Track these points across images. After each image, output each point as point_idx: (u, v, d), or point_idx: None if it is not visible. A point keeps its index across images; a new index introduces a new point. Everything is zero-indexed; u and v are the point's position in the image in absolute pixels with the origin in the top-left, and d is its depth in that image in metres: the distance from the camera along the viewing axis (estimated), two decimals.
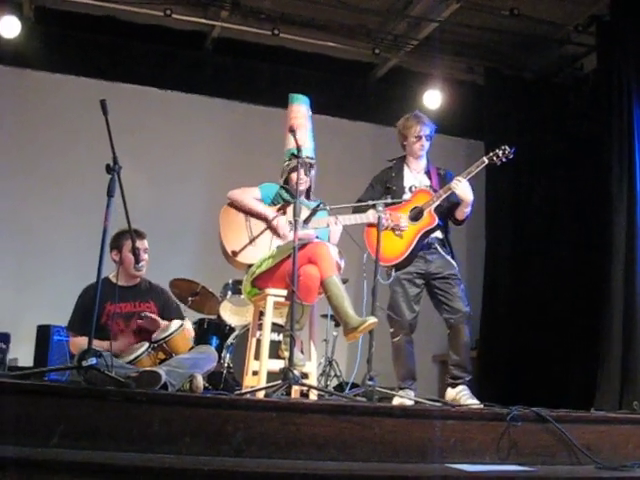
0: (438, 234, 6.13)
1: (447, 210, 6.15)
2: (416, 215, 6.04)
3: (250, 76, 10.24)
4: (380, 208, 5.70)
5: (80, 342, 5.21)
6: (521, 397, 5.86)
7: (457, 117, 10.13)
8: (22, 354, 8.43)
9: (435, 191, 6.10)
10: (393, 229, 5.95)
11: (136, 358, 5.18)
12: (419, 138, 6.23)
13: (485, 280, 9.92)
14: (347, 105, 10.48)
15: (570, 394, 8.58)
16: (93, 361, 4.13)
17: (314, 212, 5.71)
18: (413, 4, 9.37)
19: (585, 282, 8.98)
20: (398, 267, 6.08)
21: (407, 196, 6.17)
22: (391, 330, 6.10)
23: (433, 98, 9.90)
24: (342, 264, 5.70)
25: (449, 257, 6.12)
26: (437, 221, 6.02)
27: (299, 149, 5.32)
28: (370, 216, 5.83)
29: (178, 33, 9.85)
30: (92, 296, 4.48)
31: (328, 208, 5.78)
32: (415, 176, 6.28)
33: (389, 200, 5.89)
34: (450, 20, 9.27)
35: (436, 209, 6.05)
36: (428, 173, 6.30)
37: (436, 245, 6.10)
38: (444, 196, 6.03)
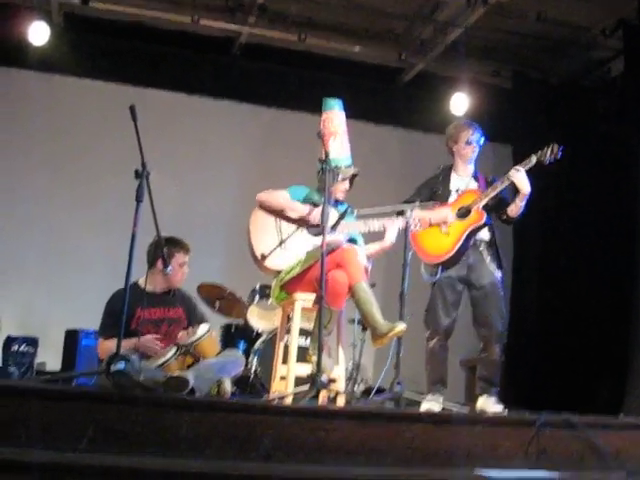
0: (485, 235, 6.04)
1: (495, 210, 6.08)
2: (463, 214, 5.96)
3: (277, 81, 10.25)
4: (409, 213, 5.68)
5: (109, 345, 5.23)
6: (548, 403, 5.82)
7: (484, 121, 9.97)
8: (50, 358, 8.46)
9: (484, 191, 6.03)
10: (439, 225, 5.92)
11: (164, 362, 5.20)
12: (469, 143, 6.18)
13: (513, 285, 9.86)
14: (374, 109, 10.46)
15: (598, 400, 8.52)
16: (121, 366, 4.15)
17: (342, 217, 5.70)
18: (439, 9, 9.36)
19: (613, 287, 8.92)
20: (445, 265, 6.01)
21: (453, 198, 6.11)
22: (426, 333, 6.05)
23: (460, 102, 9.86)
24: (369, 267, 5.69)
25: (493, 263, 6.00)
26: (485, 218, 5.93)
27: (326, 155, 5.28)
28: (400, 220, 5.79)
29: (206, 39, 9.88)
30: (121, 301, 4.50)
31: (356, 212, 5.77)
32: (462, 179, 6.21)
33: (417, 204, 5.85)
34: (476, 24, 9.24)
35: (486, 207, 5.97)
36: (476, 178, 6.23)
37: (482, 247, 6.02)
38: (495, 193, 5.94)
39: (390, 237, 5.72)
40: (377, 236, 5.81)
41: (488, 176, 6.24)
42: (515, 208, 5.99)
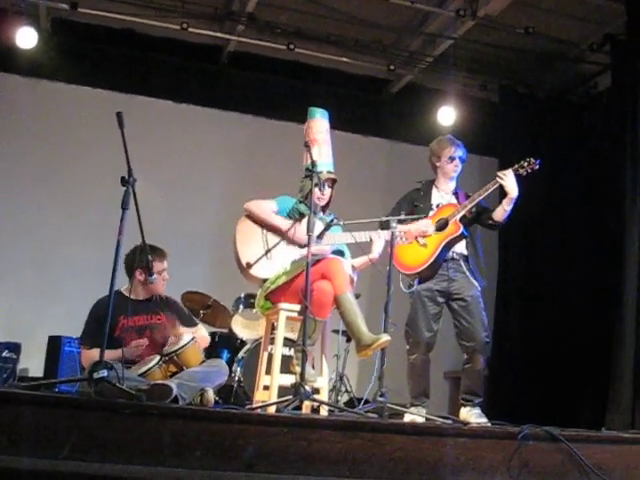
0: (462, 249, 6.07)
1: (475, 220, 6.12)
2: (441, 226, 5.99)
3: (265, 90, 10.28)
4: (394, 224, 5.68)
5: (92, 355, 5.21)
6: (532, 416, 5.81)
7: (471, 134, 10.06)
8: (32, 364, 8.45)
9: (461, 204, 6.06)
10: (417, 238, 5.92)
11: (147, 371, 5.19)
12: (452, 159, 6.23)
13: (497, 298, 9.89)
14: (361, 120, 10.49)
15: (581, 414, 8.55)
16: (104, 373, 4.13)
17: (328, 227, 5.70)
18: (429, 21, 9.41)
19: (597, 301, 8.96)
20: (421, 276, 6.06)
21: (433, 212, 6.14)
22: (407, 347, 6.07)
23: (447, 115, 9.90)
24: (355, 278, 5.69)
25: (471, 276, 6.03)
26: (462, 229, 5.97)
27: (314, 164, 5.30)
28: (386, 233, 5.80)
29: (194, 46, 9.90)
30: (105, 309, 4.48)
31: (342, 223, 5.78)
32: (443, 196, 6.25)
33: (402, 217, 5.86)
34: (465, 37, 9.31)
35: (463, 218, 6.01)
36: (456, 194, 6.26)
37: (460, 261, 6.05)
38: (472, 204, 5.98)
39: (377, 249, 5.73)
40: (365, 248, 5.81)
41: (468, 192, 6.24)
42: (501, 211, 6.02)
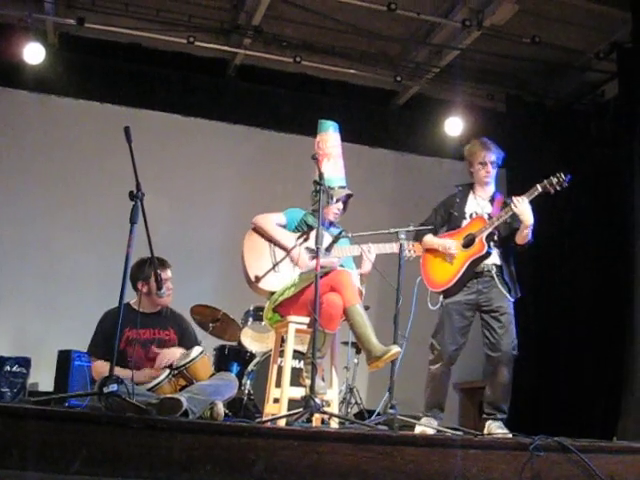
0: (496, 260, 5.93)
1: (507, 237, 5.95)
2: (468, 242, 5.89)
3: (272, 103, 10.30)
4: (402, 236, 5.66)
5: (101, 367, 5.23)
6: (543, 427, 5.79)
7: None
8: (43, 379, 8.44)
9: (490, 218, 5.92)
10: (444, 255, 5.91)
11: (157, 385, 5.18)
12: (484, 165, 6.08)
13: None
14: (368, 132, 10.50)
15: (592, 424, 8.50)
16: (114, 388, 4.13)
17: (336, 239, 5.70)
18: (435, 32, 9.43)
19: (609, 310, 8.91)
20: (447, 293, 5.97)
21: (466, 222, 6.05)
22: (430, 357, 5.98)
23: (454, 125, 9.91)
24: (363, 290, 5.68)
25: (504, 288, 5.88)
26: (486, 249, 5.81)
27: (321, 176, 5.29)
28: (394, 246, 5.78)
29: (201, 60, 9.94)
30: (112, 321, 4.49)
31: (350, 236, 5.77)
32: (479, 203, 6.12)
33: (411, 228, 5.84)
34: (471, 47, 9.31)
35: (491, 236, 5.88)
36: (492, 201, 6.11)
37: (492, 273, 5.91)
38: (498, 222, 5.84)
39: (367, 266, 5.76)
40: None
41: (507, 199, 6.01)
42: (521, 237, 5.85)
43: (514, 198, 5.76)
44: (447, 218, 6.14)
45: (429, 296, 6.07)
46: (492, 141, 6.28)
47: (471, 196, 6.17)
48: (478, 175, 6.13)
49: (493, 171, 6.13)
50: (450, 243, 5.94)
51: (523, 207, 5.72)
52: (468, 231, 5.96)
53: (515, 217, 5.82)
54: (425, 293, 6.05)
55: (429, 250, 6.06)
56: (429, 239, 6.07)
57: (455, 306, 5.93)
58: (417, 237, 6.09)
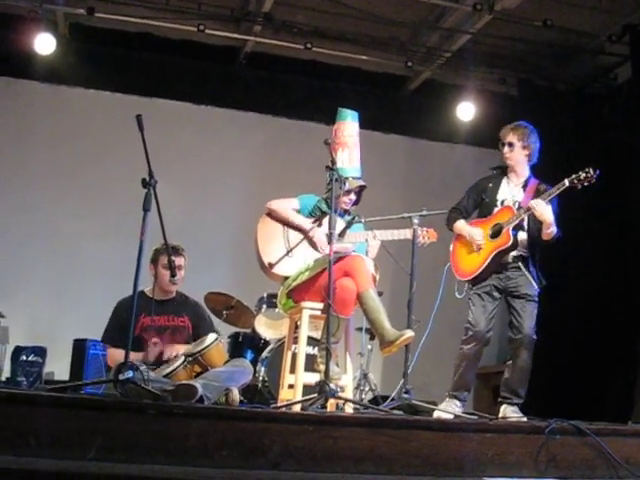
0: (522, 252, 5.88)
1: (536, 228, 5.83)
2: (496, 232, 5.84)
3: (283, 90, 10.29)
4: (416, 221, 5.65)
5: (116, 355, 5.27)
6: (558, 410, 5.77)
7: (490, 129, 10.03)
8: (58, 368, 8.48)
9: (519, 209, 5.83)
10: (472, 244, 5.90)
11: (172, 371, 5.19)
12: (502, 145, 6.06)
13: None
14: (380, 118, 10.45)
15: (607, 407, 8.48)
16: (130, 374, 4.15)
17: (349, 225, 5.70)
18: (445, 16, 9.38)
19: (623, 293, 8.88)
20: (474, 281, 5.95)
21: (497, 210, 5.98)
22: (463, 337, 5.90)
23: (466, 110, 9.89)
24: (377, 276, 5.67)
25: (530, 277, 5.86)
26: (512, 241, 5.74)
27: (333, 162, 5.26)
28: (408, 232, 5.76)
29: (212, 48, 9.93)
30: (127, 309, 4.50)
31: (363, 221, 5.77)
32: (511, 189, 6.03)
33: (425, 213, 5.82)
34: (482, 32, 9.27)
35: (525, 227, 5.84)
36: (525, 187, 6.00)
37: (519, 263, 5.87)
38: (523, 216, 5.78)
39: (372, 251, 5.80)
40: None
41: (541, 185, 5.94)
42: (545, 234, 5.78)
43: (532, 201, 5.69)
44: (479, 202, 6.09)
45: (457, 283, 6.04)
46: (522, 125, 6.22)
47: (504, 181, 6.09)
48: (503, 157, 6.08)
49: (511, 153, 6.02)
50: (478, 232, 5.90)
51: (540, 208, 5.65)
52: (496, 220, 5.89)
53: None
54: (453, 281, 6.04)
55: (459, 237, 6.05)
56: (460, 225, 6.03)
57: (484, 289, 5.89)
58: (448, 222, 6.08)
